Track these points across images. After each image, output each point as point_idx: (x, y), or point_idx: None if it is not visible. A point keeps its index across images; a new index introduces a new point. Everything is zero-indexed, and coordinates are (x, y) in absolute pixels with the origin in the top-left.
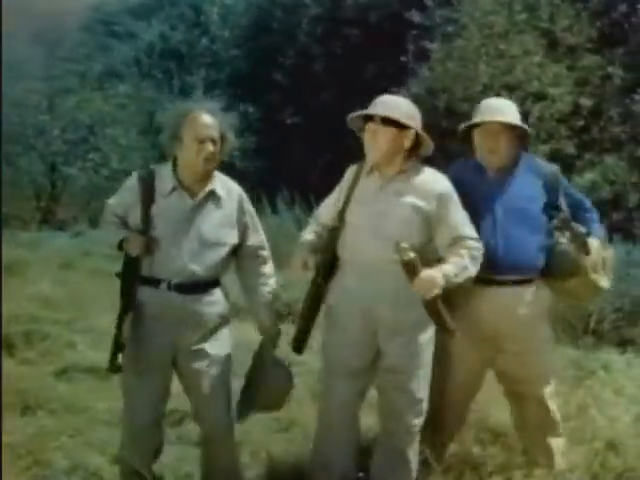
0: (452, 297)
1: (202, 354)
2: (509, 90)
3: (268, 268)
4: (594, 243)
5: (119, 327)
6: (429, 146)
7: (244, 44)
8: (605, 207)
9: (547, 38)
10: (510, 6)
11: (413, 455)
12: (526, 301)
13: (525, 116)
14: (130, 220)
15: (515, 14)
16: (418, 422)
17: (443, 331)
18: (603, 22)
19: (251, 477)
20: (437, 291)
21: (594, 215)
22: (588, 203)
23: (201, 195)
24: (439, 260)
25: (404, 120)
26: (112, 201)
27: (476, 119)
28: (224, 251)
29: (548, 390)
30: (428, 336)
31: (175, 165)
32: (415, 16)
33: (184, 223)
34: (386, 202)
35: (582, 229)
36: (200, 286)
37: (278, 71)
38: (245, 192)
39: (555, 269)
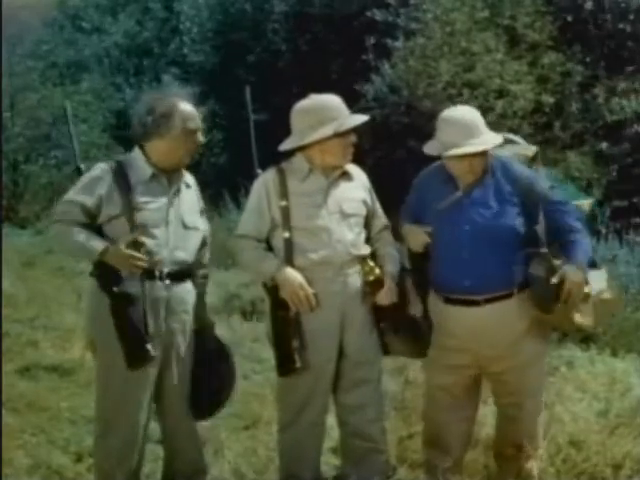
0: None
1: (182, 344)
2: (471, 87)
3: (207, 255)
4: (573, 276)
5: (122, 323)
6: None
7: (212, 39)
8: None
9: (508, 35)
10: (472, 3)
11: (383, 443)
12: (503, 318)
13: (487, 113)
14: (105, 211)
15: (477, 11)
16: (381, 414)
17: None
18: (571, 19)
19: (215, 475)
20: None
21: (577, 236)
22: (571, 220)
23: (178, 183)
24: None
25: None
26: (77, 197)
27: (448, 151)
28: (200, 237)
29: (531, 408)
30: None
31: (145, 154)
32: (377, 14)
33: (167, 210)
34: (339, 200)
35: (556, 260)
36: (185, 273)
37: (244, 67)
38: (208, 188)
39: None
